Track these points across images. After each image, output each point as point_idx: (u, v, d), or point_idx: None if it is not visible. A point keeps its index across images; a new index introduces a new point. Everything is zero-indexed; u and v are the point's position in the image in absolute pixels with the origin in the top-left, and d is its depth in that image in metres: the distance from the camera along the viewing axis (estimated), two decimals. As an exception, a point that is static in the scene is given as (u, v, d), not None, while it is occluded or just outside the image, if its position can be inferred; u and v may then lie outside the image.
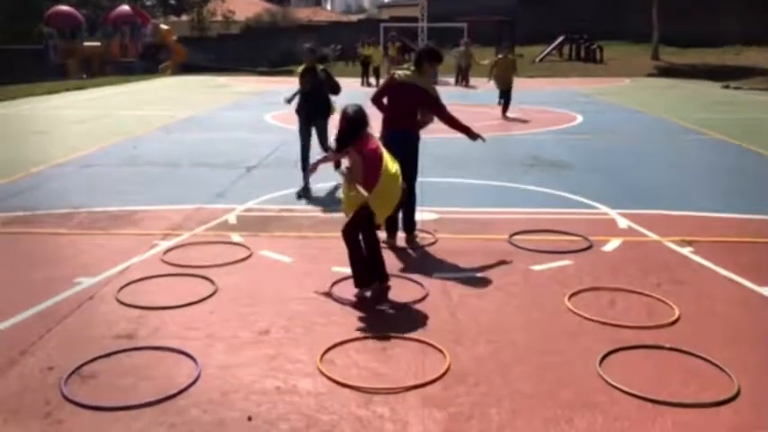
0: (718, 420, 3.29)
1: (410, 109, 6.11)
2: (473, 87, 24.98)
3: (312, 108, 8.30)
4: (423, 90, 6.04)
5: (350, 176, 4.77)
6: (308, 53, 8.47)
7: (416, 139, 6.17)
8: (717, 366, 3.78)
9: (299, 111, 8.44)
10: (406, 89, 6.04)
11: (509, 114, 15.62)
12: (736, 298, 4.92)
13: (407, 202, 6.10)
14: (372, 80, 25.87)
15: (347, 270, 5.26)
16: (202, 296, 4.86)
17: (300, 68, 8.45)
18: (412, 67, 6.15)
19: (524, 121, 15.14)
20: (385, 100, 6.25)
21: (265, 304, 4.74)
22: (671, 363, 3.86)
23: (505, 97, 15.75)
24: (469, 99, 21.02)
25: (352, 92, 23.47)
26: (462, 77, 26.46)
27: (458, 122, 6.17)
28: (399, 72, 6.22)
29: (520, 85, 27.98)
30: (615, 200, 7.61)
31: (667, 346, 3.99)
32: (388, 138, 5.80)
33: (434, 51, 6.24)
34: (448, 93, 23.34)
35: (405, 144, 5.94)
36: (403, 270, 5.46)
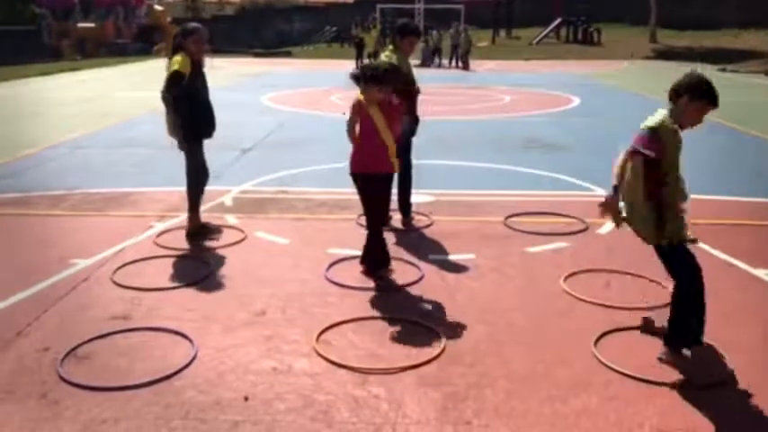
0: (713, 400, 3.31)
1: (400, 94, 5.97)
2: (473, 71, 24.85)
3: (207, 118, 5.69)
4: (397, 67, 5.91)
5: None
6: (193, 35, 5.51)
7: (415, 124, 6.08)
8: (711, 347, 3.79)
9: (190, 125, 5.56)
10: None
11: None
12: (732, 280, 4.93)
13: (404, 184, 6.10)
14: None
15: (343, 251, 5.27)
16: (198, 278, 4.86)
17: (179, 62, 5.36)
18: (390, 47, 6.04)
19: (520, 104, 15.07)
20: None
21: (261, 285, 4.74)
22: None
23: None
24: (469, 81, 20.93)
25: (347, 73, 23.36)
26: (461, 60, 26.42)
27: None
28: (381, 54, 6.12)
29: (515, 67, 27.96)
30: (611, 182, 7.60)
31: (662, 327, 3.99)
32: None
33: (407, 25, 6.05)
34: (446, 75, 23.35)
35: (404, 132, 5.92)
36: (399, 252, 5.45)
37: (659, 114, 3.58)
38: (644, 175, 3.49)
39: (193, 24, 5.73)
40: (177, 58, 5.41)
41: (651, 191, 3.51)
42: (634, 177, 3.52)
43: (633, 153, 3.52)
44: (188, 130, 5.56)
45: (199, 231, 5.77)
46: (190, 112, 5.51)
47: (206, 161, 5.86)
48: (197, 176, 5.79)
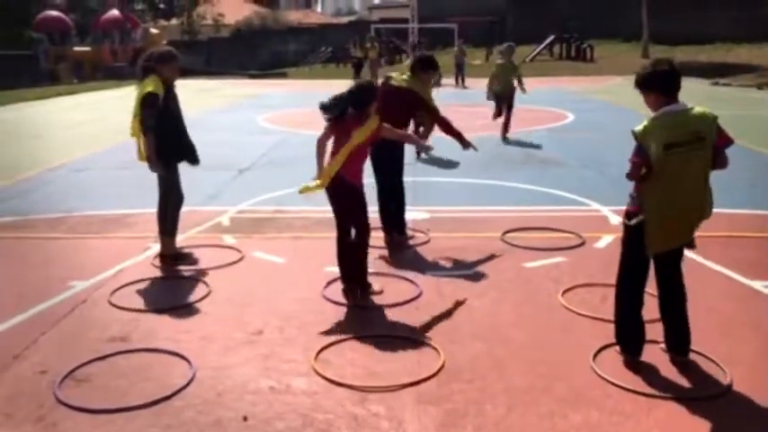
0: (712, 412, 3.31)
1: (402, 115, 6.04)
2: (467, 87, 24.97)
3: (184, 146, 5.68)
4: (416, 93, 6.01)
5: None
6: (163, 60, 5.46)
7: (403, 145, 6.16)
8: (709, 359, 3.80)
9: (167, 154, 5.52)
10: (401, 94, 5.99)
11: None
12: (728, 292, 4.95)
13: (398, 202, 6.13)
14: None
15: (341, 270, 5.27)
16: (196, 298, 4.86)
17: (152, 84, 5.36)
18: (408, 73, 6.15)
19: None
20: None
21: (259, 305, 4.74)
22: (664, 357, 3.87)
23: None
24: (464, 98, 21.05)
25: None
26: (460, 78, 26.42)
27: (452, 127, 6.10)
28: (395, 75, 6.23)
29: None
30: (607, 197, 7.63)
31: (660, 341, 4.00)
32: (378, 145, 5.75)
33: (431, 59, 6.27)
34: (441, 93, 23.45)
35: (395, 150, 5.98)
36: (396, 269, 5.46)
37: (702, 108, 3.68)
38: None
39: (168, 49, 5.72)
40: (149, 80, 5.36)
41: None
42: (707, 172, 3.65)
43: (727, 146, 3.66)
44: (162, 151, 5.44)
45: (174, 256, 5.63)
46: (164, 134, 5.41)
47: (180, 185, 5.72)
48: (167, 200, 5.63)
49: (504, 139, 12.05)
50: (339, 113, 4.76)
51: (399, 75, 6.24)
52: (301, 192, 4.92)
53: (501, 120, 12.24)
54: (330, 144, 4.88)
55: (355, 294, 4.81)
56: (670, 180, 3.56)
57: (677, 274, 3.77)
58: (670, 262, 3.75)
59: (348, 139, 4.72)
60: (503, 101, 12.26)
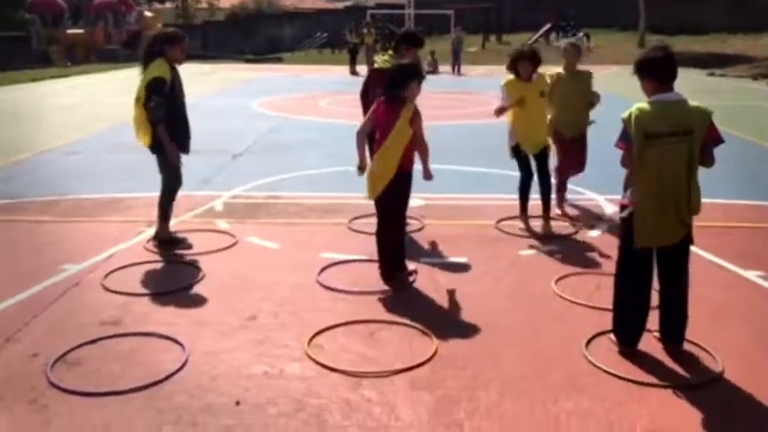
0: (703, 400, 3.32)
1: None
2: (464, 75, 24.93)
3: (183, 128, 5.59)
4: None
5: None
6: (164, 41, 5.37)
7: None
8: (702, 348, 3.82)
9: (176, 140, 5.46)
10: (383, 75, 5.94)
11: None
12: (722, 281, 4.97)
13: None
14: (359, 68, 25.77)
15: (335, 255, 5.27)
16: (190, 283, 4.85)
17: (159, 68, 5.26)
18: (390, 53, 6.10)
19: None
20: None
21: (253, 290, 4.73)
22: (656, 345, 3.88)
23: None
24: (460, 86, 20.99)
25: (341, 78, 23.44)
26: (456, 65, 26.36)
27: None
28: (377, 58, 6.20)
29: (506, 72, 28.08)
30: (602, 186, 7.63)
31: (653, 329, 4.01)
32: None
33: (412, 35, 6.15)
34: (437, 80, 23.40)
35: None
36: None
37: (698, 102, 3.63)
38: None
39: (175, 30, 5.67)
40: (156, 64, 5.25)
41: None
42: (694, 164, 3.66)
43: (716, 144, 3.68)
44: (171, 138, 5.39)
45: (169, 240, 5.62)
46: (173, 120, 5.35)
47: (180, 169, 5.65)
48: (173, 185, 5.61)
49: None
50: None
51: (381, 56, 6.19)
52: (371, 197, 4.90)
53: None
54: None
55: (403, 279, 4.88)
56: (651, 171, 3.56)
57: (680, 270, 3.74)
58: (671, 258, 3.72)
59: (393, 126, 4.70)
60: (574, 138, 7.00)
